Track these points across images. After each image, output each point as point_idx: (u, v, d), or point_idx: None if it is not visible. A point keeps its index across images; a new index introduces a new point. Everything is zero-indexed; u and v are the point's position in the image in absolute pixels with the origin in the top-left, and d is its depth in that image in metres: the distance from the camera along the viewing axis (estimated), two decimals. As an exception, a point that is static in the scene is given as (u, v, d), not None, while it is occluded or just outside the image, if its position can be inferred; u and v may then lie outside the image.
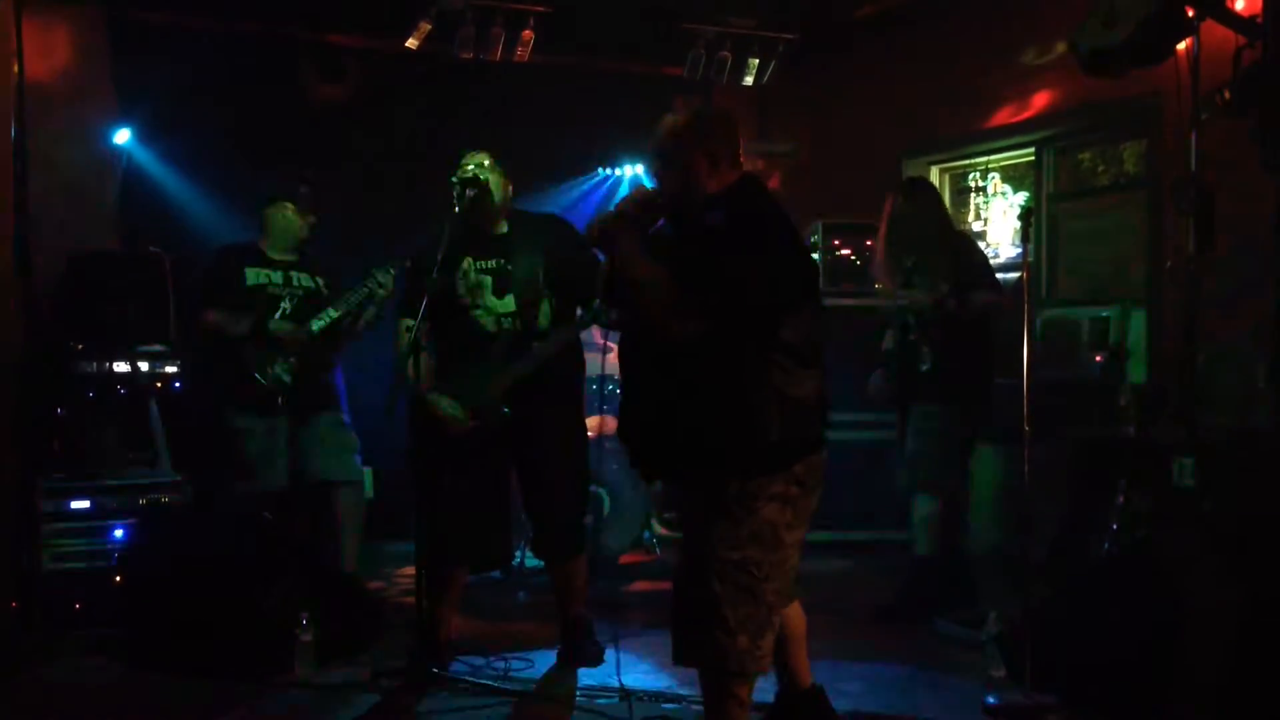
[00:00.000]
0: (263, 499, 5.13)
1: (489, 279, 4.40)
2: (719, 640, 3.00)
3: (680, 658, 3.12)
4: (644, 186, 3.21)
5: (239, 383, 5.10)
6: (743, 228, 3.04)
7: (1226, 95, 4.08)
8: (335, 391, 5.41)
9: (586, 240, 3.19)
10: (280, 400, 5.10)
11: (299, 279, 5.30)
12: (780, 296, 3.03)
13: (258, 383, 5.06)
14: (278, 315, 5.16)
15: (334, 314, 5.12)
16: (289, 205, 5.29)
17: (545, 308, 4.41)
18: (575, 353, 4.60)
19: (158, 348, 5.52)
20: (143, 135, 6.49)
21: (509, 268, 4.40)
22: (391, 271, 5.01)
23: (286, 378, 5.10)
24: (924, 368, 5.14)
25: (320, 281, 5.35)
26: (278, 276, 5.26)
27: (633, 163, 8.53)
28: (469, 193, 4.29)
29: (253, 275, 5.22)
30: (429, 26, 6.63)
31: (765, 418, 2.99)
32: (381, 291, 5.06)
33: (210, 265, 5.30)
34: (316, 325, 5.12)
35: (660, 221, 3.24)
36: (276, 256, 5.30)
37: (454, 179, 4.33)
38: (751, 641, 3.02)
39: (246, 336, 5.07)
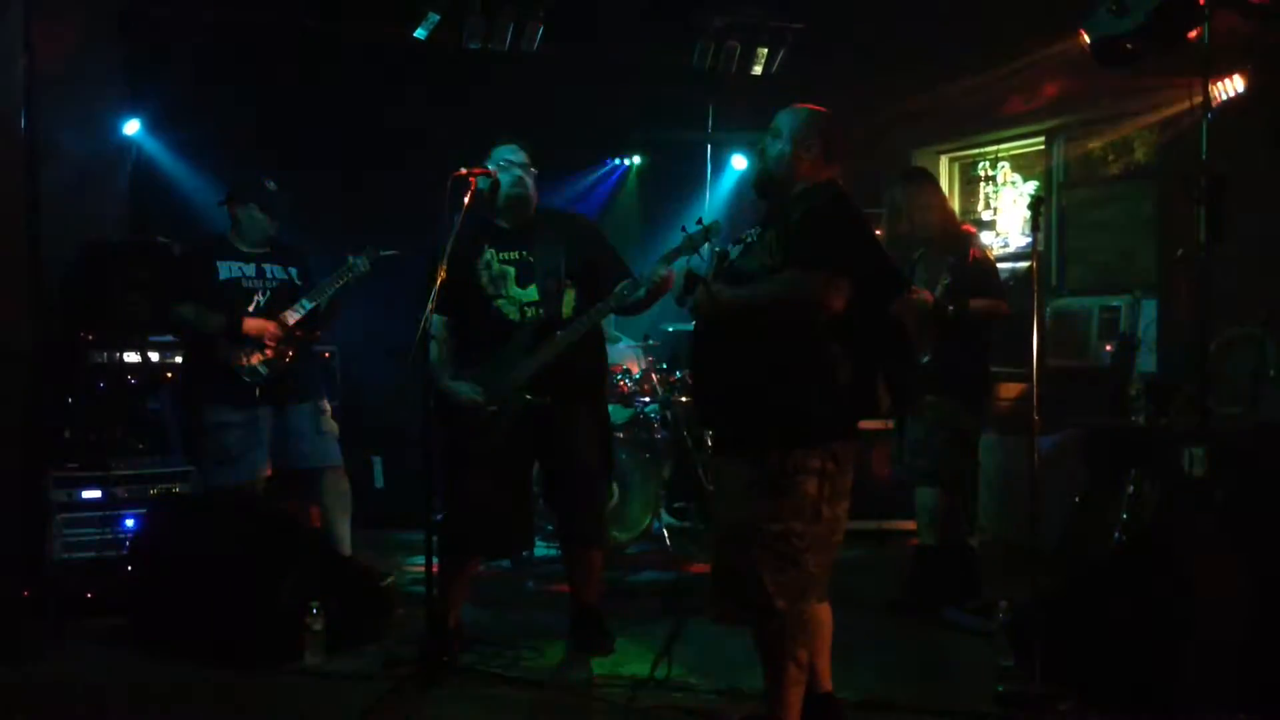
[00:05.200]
0: (242, 489, 5.12)
1: (512, 269, 4.41)
2: (758, 602, 3.24)
3: (714, 613, 3.41)
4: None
5: (216, 377, 5.08)
6: (849, 216, 3.35)
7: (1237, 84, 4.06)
8: (316, 380, 5.40)
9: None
10: (258, 393, 5.11)
11: (272, 271, 5.28)
12: (876, 282, 3.31)
13: (235, 377, 5.06)
14: (251, 308, 5.15)
15: (308, 305, 5.13)
16: (254, 205, 5.22)
17: (568, 297, 4.43)
18: (598, 343, 4.61)
19: (168, 338, 5.52)
20: (153, 126, 6.50)
21: (531, 258, 4.41)
22: (367, 259, 5.05)
23: (263, 370, 5.10)
24: (923, 359, 5.15)
25: (293, 272, 5.32)
26: (250, 269, 5.23)
27: (641, 154, 8.53)
28: (483, 181, 4.30)
29: (225, 269, 5.18)
30: (438, 16, 6.62)
31: (820, 393, 3.23)
32: (351, 276, 5.08)
33: (181, 259, 5.29)
34: (291, 318, 5.13)
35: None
36: (247, 249, 5.28)
37: (463, 169, 4.31)
38: (791, 604, 3.26)
39: (222, 331, 5.07)
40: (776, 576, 3.23)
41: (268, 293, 5.19)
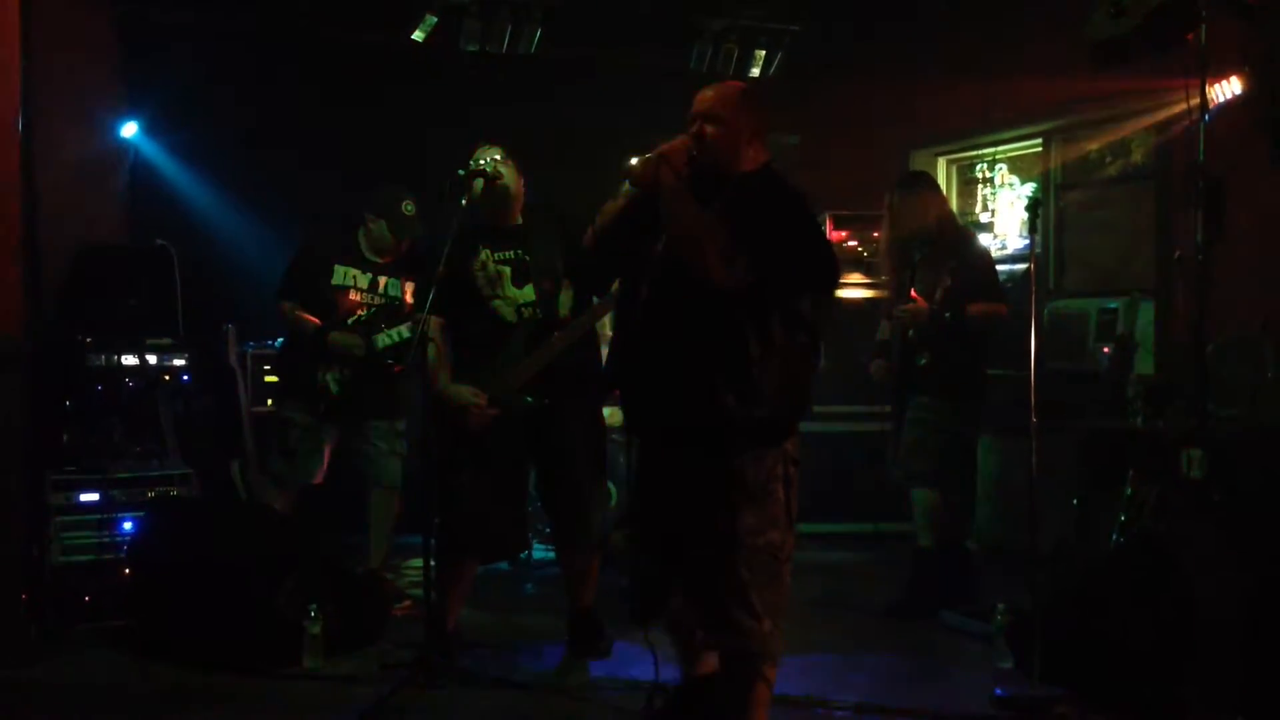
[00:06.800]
0: (297, 489, 5.26)
1: (508, 269, 4.40)
2: (746, 625, 3.06)
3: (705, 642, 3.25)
4: (684, 137, 3.22)
5: (294, 377, 5.26)
6: (788, 203, 3.15)
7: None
8: (396, 398, 5.38)
9: (629, 174, 3.24)
10: (323, 408, 5.17)
11: (387, 285, 5.32)
12: (817, 274, 3.14)
13: (307, 384, 5.17)
14: (352, 321, 5.18)
15: (405, 334, 5.10)
16: (385, 222, 5.26)
17: (565, 297, 4.42)
18: (591, 345, 4.60)
19: (166, 340, 5.53)
20: (150, 128, 6.50)
21: (527, 257, 4.40)
22: None
23: (335, 388, 5.17)
24: (921, 362, 5.15)
25: (409, 288, 5.34)
26: (364, 280, 5.29)
27: (638, 156, 8.51)
28: (476, 182, 4.28)
29: (339, 273, 5.25)
30: (435, 19, 6.62)
31: (770, 390, 3.02)
32: None
33: (301, 252, 5.33)
34: (382, 342, 5.14)
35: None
36: (371, 258, 5.32)
37: (460, 171, 4.31)
38: (774, 624, 3.09)
39: (313, 335, 5.14)
40: (764, 595, 3.05)
41: (371, 309, 5.23)
